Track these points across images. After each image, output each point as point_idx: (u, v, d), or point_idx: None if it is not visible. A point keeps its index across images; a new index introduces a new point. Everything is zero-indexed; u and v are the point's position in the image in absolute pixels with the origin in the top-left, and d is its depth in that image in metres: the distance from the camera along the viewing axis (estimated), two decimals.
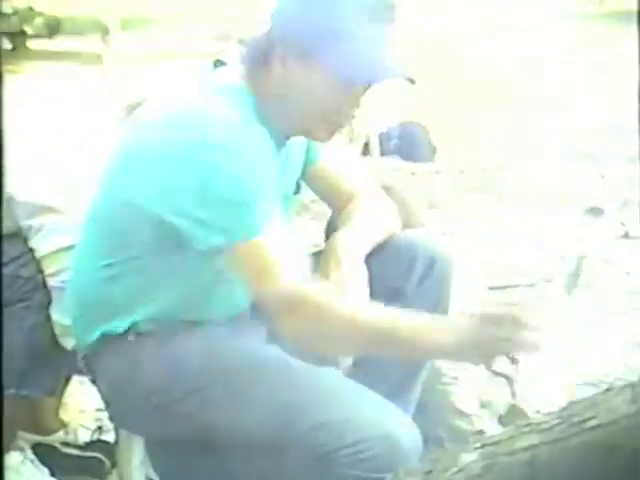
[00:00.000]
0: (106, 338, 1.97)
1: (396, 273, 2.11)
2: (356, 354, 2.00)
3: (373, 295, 2.01)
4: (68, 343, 2.34)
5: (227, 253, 1.84)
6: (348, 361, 2.18)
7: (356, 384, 1.96)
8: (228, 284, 1.96)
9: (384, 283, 2.06)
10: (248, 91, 1.91)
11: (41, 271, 2.39)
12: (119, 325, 1.96)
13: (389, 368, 2.14)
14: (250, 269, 1.84)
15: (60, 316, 2.35)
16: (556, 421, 1.39)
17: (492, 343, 1.79)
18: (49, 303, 2.38)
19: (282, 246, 1.84)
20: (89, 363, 2.01)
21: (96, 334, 1.97)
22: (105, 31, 7.75)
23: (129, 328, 1.95)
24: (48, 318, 2.38)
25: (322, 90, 1.88)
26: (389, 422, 1.87)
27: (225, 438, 1.92)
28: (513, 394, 2.66)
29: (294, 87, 1.88)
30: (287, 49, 1.87)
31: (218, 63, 1.98)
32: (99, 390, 2.02)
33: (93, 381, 2.04)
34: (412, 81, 1.90)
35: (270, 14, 1.89)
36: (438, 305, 2.12)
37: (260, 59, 1.90)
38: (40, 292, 2.40)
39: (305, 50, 1.85)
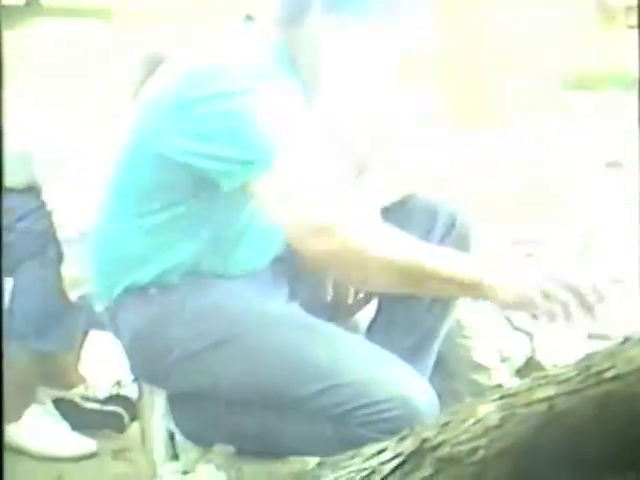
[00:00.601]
0: (130, 290, 1.97)
1: (414, 234, 2.10)
2: (387, 289, 1.96)
3: None
4: (73, 296, 2.37)
5: (255, 187, 1.83)
6: (364, 323, 2.19)
7: (374, 345, 1.97)
8: (252, 237, 1.97)
9: None
10: (280, 46, 1.91)
11: (53, 225, 2.40)
12: (143, 277, 1.96)
13: (406, 332, 2.15)
14: (275, 199, 1.82)
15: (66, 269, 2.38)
16: (574, 372, 1.39)
17: (545, 297, 1.78)
18: (61, 257, 2.40)
19: (315, 176, 1.82)
20: (112, 315, 2.02)
21: (121, 286, 1.98)
22: None
23: (153, 281, 1.96)
24: (59, 272, 2.40)
25: (355, 49, 1.89)
26: (407, 385, 1.87)
27: (244, 393, 1.94)
28: (533, 349, 2.67)
29: (328, 45, 1.89)
30: (323, 7, 1.87)
31: (249, 19, 1.97)
32: (121, 343, 2.04)
33: (115, 333, 2.05)
34: (439, 48, 1.91)
35: None
36: None
37: (295, 15, 1.91)
38: (53, 246, 2.41)
39: (342, 9, 1.86)
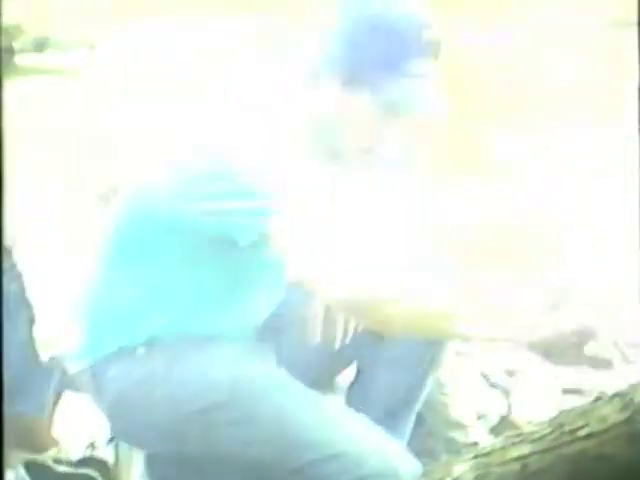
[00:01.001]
0: (118, 350, 1.97)
1: None
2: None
3: None
4: (44, 357, 2.35)
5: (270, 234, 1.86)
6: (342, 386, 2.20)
7: (359, 416, 1.98)
8: (247, 300, 1.99)
9: None
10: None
11: (25, 286, 2.39)
12: (136, 337, 1.96)
13: (387, 396, 2.15)
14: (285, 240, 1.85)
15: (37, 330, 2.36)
16: (547, 430, 1.39)
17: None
18: (33, 318, 2.39)
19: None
20: (95, 374, 2.01)
21: (111, 345, 1.98)
22: (92, 46, 7.74)
23: (143, 340, 1.96)
24: (31, 334, 2.39)
25: (362, 117, 1.94)
26: (392, 457, 1.89)
27: (226, 461, 1.94)
28: (509, 406, 2.67)
29: (335, 109, 1.94)
30: (335, 72, 1.93)
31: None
32: (102, 403, 2.02)
33: (96, 393, 2.03)
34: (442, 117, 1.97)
35: (320, 34, 1.96)
36: None
37: (306, 78, 1.96)
38: (27, 307, 2.40)
39: (353, 77, 1.92)
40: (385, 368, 2.14)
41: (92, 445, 2.64)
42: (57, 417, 2.65)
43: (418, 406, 2.21)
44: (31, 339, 2.40)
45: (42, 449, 2.60)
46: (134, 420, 1.97)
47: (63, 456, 2.60)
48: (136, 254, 1.97)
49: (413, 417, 2.21)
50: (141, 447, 2.05)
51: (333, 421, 1.93)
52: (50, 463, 2.59)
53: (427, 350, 2.13)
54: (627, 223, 3.73)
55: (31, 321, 2.41)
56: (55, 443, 2.63)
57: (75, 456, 2.61)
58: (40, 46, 8.76)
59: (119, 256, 2.00)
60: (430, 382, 2.23)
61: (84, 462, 2.61)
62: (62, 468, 2.59)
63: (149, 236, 1.95)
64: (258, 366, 2.01)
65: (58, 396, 2.60)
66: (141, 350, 1.95)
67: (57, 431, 2.67)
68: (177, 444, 1.96)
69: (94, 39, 7.95)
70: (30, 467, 2.57)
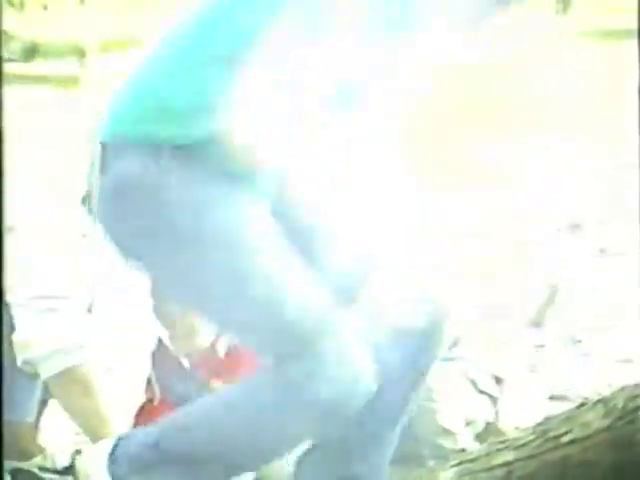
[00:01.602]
0: (144, 139, 1.87)
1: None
2: None
3: None
4: (19, 360, 2.36)
5: None
6: None
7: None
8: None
9: None
10: None
11: (3, 292, 2.39)
12: (166, 136, 1.86)
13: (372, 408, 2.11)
14: None
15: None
16: (531, 437, 1.39)
17: None
18: (12, 325, 2.39)
19: None
20: (106, 153, 1.89)
21: (140, 131, 1.88)
22: (82, 54, 7.75)
23: (172, 144, 1.86)
24: (10, 340, 2.39)
25: None
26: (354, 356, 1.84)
27: (188, 291, 1.90)
28: (496, 413, 2.67)
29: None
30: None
31: None
32: (101, 187, 1.92)
33: (99, 173, 1.92)
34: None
35: None
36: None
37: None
38: (6, 314, 2.40)
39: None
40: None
41: (78, 453, 2.63)
42: (43, 424, 2.65)
43: (403, 419, 2.16)
44: (10, 346, 2.40)
45: (28, 457, 2.60)
46: (126, 218, 1.89)
47: (49, 464, 2.60)
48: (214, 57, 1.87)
49: (398, 430, 2.16)
50: (122, 252, 1.94)
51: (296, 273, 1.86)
52: (36, 471, 2.59)
53: (417, 360, 2.10)
54: (627, 223, 3.74)
55: (10, 327, 2.41)
56: (41, 451, 2.63)
57: (61, 464, 2.61)
58: (29, 54, 8.80)
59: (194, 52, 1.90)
60: (419, 393, 2.19)
61: (70, 469, 2.60)
62: (48, 476, 2.59)
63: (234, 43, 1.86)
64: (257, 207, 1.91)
65: (44, 403, 2.60)
66: (167, 151, 1.84)
67: (43, 439, 2.67)
68: (158, 266, 1.91)
69: (85, 46, 7.96)
70: (16, 475, 2.57)
